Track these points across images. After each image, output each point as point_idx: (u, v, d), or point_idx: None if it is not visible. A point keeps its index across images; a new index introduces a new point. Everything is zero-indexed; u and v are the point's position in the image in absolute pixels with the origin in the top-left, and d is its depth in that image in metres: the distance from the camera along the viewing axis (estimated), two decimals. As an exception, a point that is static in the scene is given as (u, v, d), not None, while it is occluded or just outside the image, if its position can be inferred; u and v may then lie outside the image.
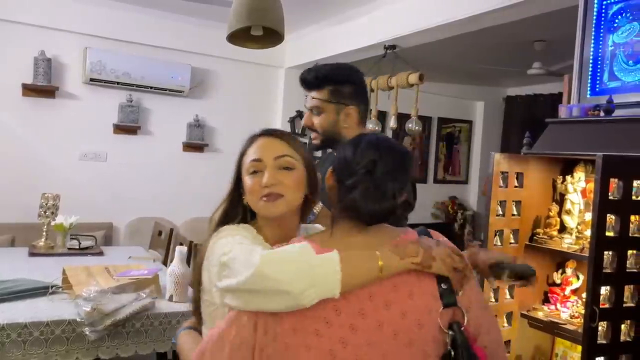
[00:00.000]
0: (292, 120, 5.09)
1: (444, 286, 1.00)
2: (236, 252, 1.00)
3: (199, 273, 1.18)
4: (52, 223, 3.19)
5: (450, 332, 0.98)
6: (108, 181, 4.42)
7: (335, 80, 1.66)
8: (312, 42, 4.69)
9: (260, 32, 1.93)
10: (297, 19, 4.27)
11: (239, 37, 1.98)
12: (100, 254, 3.19)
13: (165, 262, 3.21)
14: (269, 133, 1.21)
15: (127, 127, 4.44)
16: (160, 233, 3.64)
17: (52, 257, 2.99)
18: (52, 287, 2.26)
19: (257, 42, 2.02)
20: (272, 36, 1.97)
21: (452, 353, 0.96)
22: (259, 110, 5.07)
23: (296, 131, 5.04)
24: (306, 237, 1.07)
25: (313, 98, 1.67)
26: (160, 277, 2.41)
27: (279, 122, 5.09)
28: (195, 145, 4.73)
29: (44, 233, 3.18)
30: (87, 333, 1.94)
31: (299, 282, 0.90)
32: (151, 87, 4.44)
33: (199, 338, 1.20)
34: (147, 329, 2.12)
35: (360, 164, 1.02)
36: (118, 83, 4.29)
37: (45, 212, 3.21)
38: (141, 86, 4.39)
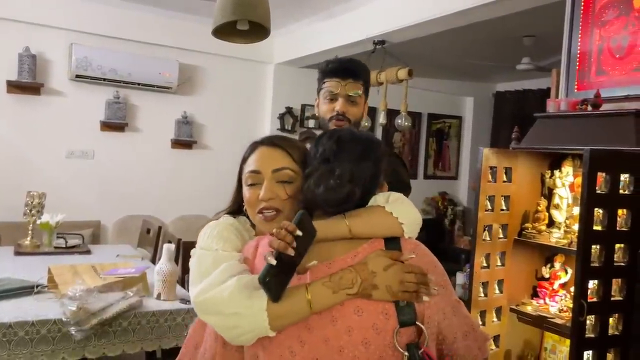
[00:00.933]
0: (281, 117, 5.06)
1: (401, 304, 0.96)
2: (192, 264, 1.09)
3: None
4: (38, 222, 3.14)
5: (406, 354, 0.94)
6: (95, 179, 4.37)
7: (368, 74, 1.70)
8: (301, 37, 4.67)
9: (246, 26, 1.91)
10: (285, 14, 4.24)
11: (224, 31, 1.95)
12: (88, 252, 3.15)
13: (153, 260, 3.18)
14: (271, 142, 1.16)
15: (115, 124, 4.39)
16: (148, 231, 3.61)
17: (38, 256, 2.94)
18: (37, 286, 2.23)
19: (243, 36, 1.99)
20: (258, 31, 1.95)
21: None
22: (248, 107, 5.04)
23: (285, 128, 5.02)
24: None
25: (358, 87, 1.63)
26: (148, 275, 2.38)
27: (268, 119, 5.06)
28: (184, 142, 4.69)
29: (30, 232, 3.14)
30: (73, 333, 1.91)
31: (230, 331, 0.99)
32: (138, 84, 4.38)
33: None
34: (135, 328, 2.09)
35: (318, 154, 1.05)
36: (105, 79, 4.24)
37: (30, 210, 3.16)
38: (128, 83, 4.34)
